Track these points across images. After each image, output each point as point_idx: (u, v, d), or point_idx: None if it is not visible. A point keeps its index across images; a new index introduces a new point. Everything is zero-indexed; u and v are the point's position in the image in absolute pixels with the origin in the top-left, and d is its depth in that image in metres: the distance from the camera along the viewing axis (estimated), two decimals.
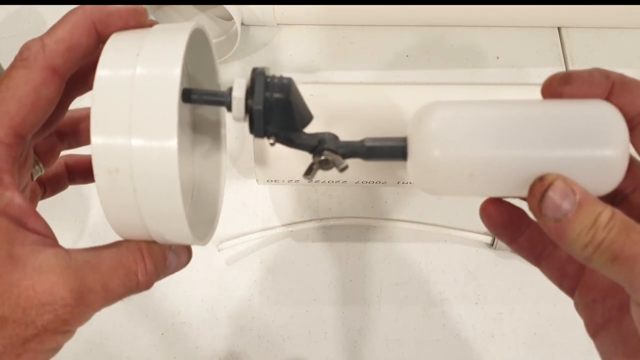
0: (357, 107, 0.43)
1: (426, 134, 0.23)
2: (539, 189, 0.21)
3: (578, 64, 0.53)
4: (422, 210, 0.47)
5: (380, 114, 0.42)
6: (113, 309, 0.45)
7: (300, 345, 0.43)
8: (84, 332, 0.43)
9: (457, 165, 0.22)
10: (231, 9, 0.46)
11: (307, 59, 0.53)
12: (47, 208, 0.48)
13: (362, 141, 0.25)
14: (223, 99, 0.24)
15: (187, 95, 0.24)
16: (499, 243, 0.45)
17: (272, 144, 0.24)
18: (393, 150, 0.25)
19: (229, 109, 0.24)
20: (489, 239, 0.45)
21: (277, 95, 0.23)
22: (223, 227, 0.46)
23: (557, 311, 0.44)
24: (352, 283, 0.45)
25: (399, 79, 0.52)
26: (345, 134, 0.41)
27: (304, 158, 0.42)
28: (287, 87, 0.23)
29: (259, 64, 0.52)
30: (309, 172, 0.26)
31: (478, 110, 0.23)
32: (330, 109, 0.42)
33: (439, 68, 0.53)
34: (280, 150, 0.41)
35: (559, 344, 0.44)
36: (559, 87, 0.23)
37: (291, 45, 0.53)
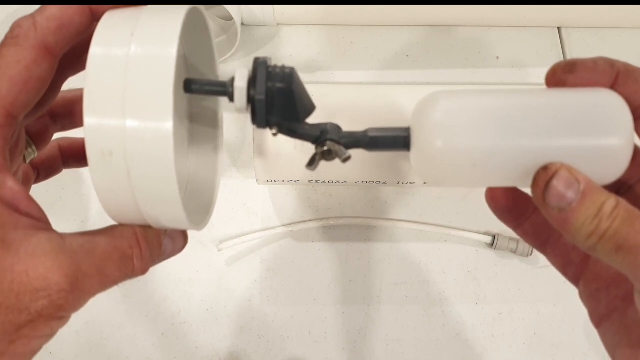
0: (357, 107, 0.43)
1: (429, 124, 0.23)
2: (543, 178, 0.21)
3: None
4: (422, 210, 0.47)
5: (381, 114, 0.42)
6: (113, 309, 0.45)
7: (300, 345, 0.43)
8: (84, 332, 0.43)
9: (460, 155, 0.22)
10: (231, 9, 0.46)
11: (307, 59, 0.53)
12: (47, 208, 0.48)
13: (365, 131, 0.25)
14: (224, 90, 0.23)
15: (188, 86, 0.24)
16: (499, 243, 0.45)
17: (274, 134, 0.24)
18: (396, 140, 0.24)
19: (231, 99, 0.23)
20: (489, 239, 0.45)
21: (279, 85, 0.23)
22: (223, 227, 0.46)
23: (557, 311, 0.44)
24: (352, 283, 0.45)
25: (399, 79, 0.52)
26: None
27: (304, 158, 0.42)
28: (289, 77, 0.23)
29: None
30: (312, 163, 0.26)
31: (481, 99, 0.23)
32: (330, 109, 0.42)
33: (439, 68, 0.53)
34: (281, 150, 0.41)
35: (559, 344, 0.44)
36: (563, 76, 0.23)
37: (291, 45, 0.53)
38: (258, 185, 0.47)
